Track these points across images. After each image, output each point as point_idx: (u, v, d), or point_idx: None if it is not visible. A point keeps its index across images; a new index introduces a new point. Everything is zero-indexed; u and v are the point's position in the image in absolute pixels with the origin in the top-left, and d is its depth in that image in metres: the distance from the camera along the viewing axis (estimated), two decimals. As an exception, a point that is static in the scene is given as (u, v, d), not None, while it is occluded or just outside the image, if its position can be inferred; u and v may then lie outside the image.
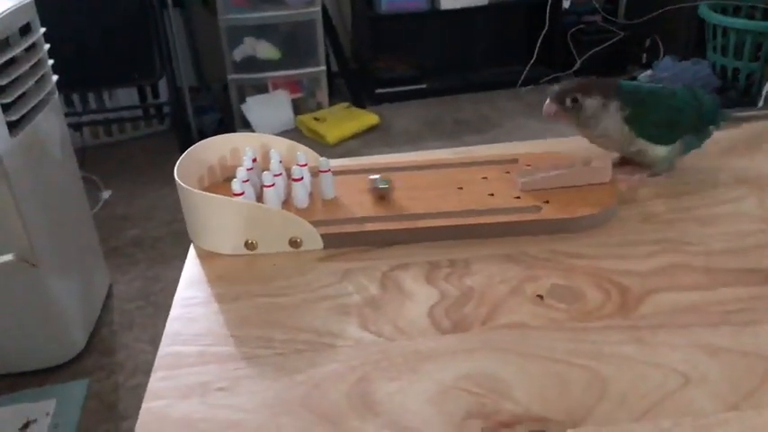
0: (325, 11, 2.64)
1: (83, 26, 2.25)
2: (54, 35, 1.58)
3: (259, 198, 0.58)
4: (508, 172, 0.63)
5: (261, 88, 2.68)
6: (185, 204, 0.56)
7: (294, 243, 0.55)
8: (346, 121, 2.62)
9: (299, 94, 2.74)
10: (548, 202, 0.58)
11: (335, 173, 0.62)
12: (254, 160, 0.61)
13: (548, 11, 2.81)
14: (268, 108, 2.64)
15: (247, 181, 0.56)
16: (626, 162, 0.65)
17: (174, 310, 0.49)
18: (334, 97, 2.82)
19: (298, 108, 2.71)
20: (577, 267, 0.51)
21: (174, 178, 0.55)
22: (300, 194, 0.59)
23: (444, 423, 0.38)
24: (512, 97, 2.90)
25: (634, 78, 2.76)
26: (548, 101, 0.60)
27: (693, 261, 0.51)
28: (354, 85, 2.85)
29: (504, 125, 2.66)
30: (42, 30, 1.51)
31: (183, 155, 0.59)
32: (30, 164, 1.40)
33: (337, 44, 2.83)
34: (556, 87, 0.60)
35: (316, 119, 2.61)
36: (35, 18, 1.49)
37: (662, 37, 2.83)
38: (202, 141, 0.62)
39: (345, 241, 0.55)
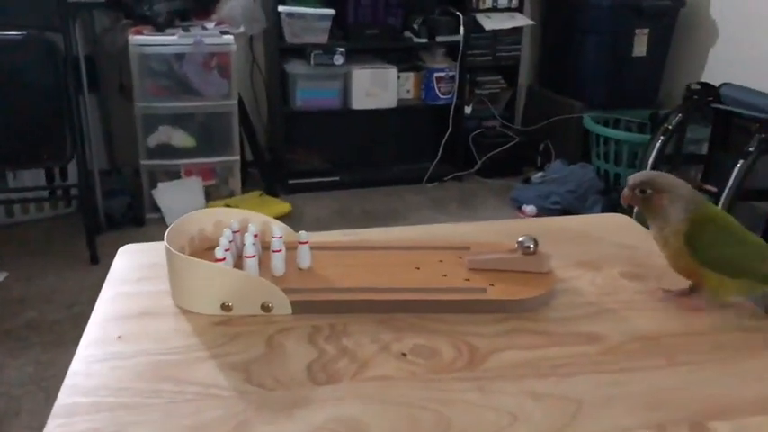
0: (241, 103, 2.76)
1: (-6, 105, 2.25)
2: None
3: (237, 266, 0.64)
4: (461, 257, 0.71)
5: (173, 174, 2.72)
6: (171, 268, 0.62)
7: (266, 308, 0.61)
8: (257, 208, 2.69)
9: (211, 182, 2.80)
10: (492, 284, 0.65)
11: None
12: (236, 232, 0.67)
13: (451, 115, 3.05)
14: (179, 194, 2.68)
15: (228, 250, 0.63)
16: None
17: (75, 365, 0.53)
18: (248, 186, 2.89)
19: (210, 195, 2.76)
20: (438, 330, 0.60)
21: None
22: (278, 264, 0.65)
23: (310, 457, 0.44)
24: (418, 192, 3.07)
25: (528, 180, 3.01)
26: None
27: (533, 326, 0.61)
28: (268, 174, 2.95)
29: (410, 218, 2.81)
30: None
31: (171, 225, 0.65)
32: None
33: (252, 135, 2.94)
34: (638, 174, 0.63)
35: (227, 205, 2.67)
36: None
37: (553, 143, 3.12)
38: (188, 214, 0.69)
39: (313, 308, 0.62)
